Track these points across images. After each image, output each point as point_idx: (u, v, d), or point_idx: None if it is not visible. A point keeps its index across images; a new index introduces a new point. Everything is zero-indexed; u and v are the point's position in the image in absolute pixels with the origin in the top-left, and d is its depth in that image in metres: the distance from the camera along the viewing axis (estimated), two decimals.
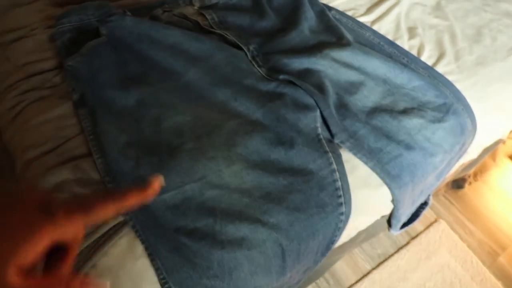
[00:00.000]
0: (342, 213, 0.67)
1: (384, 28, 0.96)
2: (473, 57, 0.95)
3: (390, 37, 0.95)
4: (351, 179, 0.70)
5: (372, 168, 0.72)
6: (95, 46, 0.69)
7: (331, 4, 0.98)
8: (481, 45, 0.97)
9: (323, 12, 0.91)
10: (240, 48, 0.78)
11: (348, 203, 0.68)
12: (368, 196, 0.72)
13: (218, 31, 0.80)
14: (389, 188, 0.73)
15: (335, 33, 0.85)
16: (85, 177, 0.57)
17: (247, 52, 0.76)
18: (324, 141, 0.69)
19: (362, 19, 0.97)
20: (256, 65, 0.75)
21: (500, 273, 1.34)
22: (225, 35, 0.79)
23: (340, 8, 0.98)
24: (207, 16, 0.82)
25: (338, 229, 0.68)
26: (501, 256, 1.39)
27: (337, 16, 0.94)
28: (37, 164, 0.59)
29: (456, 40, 0.98)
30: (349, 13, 0.98)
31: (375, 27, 0.96)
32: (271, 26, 0.84)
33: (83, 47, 0.69)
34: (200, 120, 0.66)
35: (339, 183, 0.67)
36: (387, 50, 0.90)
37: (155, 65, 0.71)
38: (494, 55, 0.96)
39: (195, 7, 0.84)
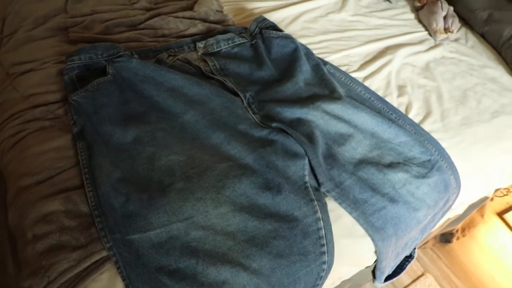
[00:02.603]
0: (324, 262, 0.68)
1: (375, 84, 1.02)
2: (458, 117, 1.00)
3: (380, 93, 1.00)
4: (335, 228, 0.71)
5: (356, 219, 0.73)
6: (100, 84, 0.73)
7: (326, 59, 1.05)
8: (467, 107, 1.03)
9: (319, 66, 0.97)
10: (237, 95, 0.82)
11: (331, 252, 0.69)
12: (352, 246, 0.74)
13: (218, 77, 0.84)
14: (372, 239, 0.75)
15: (328, 86, 0.90)
16: (74, 209, 0.59)
17: (243, 99, 0.81)
18: (310, 189, 0.71)
19: (355, 75, 1.03)
20: (251, 112, 0.79)
21: None
22: (224, 81, 0.83)
23: (335, 63, 1.04)
24: (209, 62, 0.88)
25: (320, 278, 0.69)
26: None
27: (331, 70, 1.00)
28: (29, 192, 0.61)
29: (443, 101, 1.03)
30: (343, 69, 1.04)
31: (367, 83, 1.01)
32: (268, 76, 0.89)
33: (89, 83, 0.73)
34: (192, 160, 0.68)
35: (323, 232, 0.69)
36: (376, 105, 0.94)
37: (155, 105, 0.75)
38: (479, 117, 1.01)
39: (199, 53, 0.90)
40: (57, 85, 0.77)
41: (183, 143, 0.71)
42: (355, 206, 0.74)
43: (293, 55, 0.95)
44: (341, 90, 0.91)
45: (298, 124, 0.79)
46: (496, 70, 1.16)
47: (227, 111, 0.76)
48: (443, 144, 0.91)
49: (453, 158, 0.90)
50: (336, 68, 1.02)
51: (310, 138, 0.77)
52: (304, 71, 0.92)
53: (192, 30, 0.95)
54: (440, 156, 0.88)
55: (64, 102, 0.74)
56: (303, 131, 0.78)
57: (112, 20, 0.91)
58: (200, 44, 0.90)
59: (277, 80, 0.89)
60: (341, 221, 0.73)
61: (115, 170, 0.64)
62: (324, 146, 0.79)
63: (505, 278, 1.42)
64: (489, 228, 1.57)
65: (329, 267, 0.69)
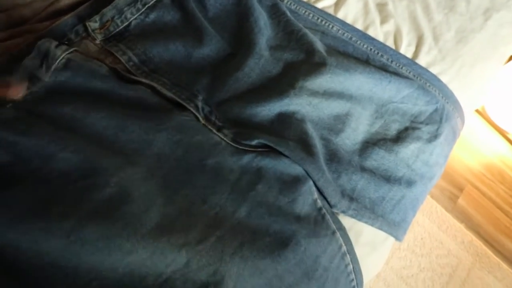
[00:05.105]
0: None
1: (352, 13, 0.75)
2: (452, 33, 0.80)
3: (360, 24, 0.75)
4: (358, 250, 0.57)
5: (379, 228, 0.59)
6: None
7: None
8: (457, 14, 0.83)
9: (277, 7, 0.67)
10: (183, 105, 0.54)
11: (360, 284, 0.56)
12: (377, 258, 0.61)
13: (145, 80, 0.53)
14: (395, 237, 0.63)
15: (300, 44, 0.63)
16: None
17: (197, 113, 0.53)
18: (329, 217, 0.53)
19: (323, 3, 0.75)
20: (214, 129, 0.53)
21: (461, 216, 1.41)
22: (158, 88, 0.53)
23: None
24: (119, 57, 0.55)
25: None
26: (460, 198, 1.45)
27: (293, 7, 0.71)
28: None
29: (431, 12, 0.81)
30: None
31: (341, 14, 0.75)
32: (216, 51, 0.59)
33: None
34: (164, 258, 0.45)
35: (350, 267, 0.54)
36: (362, 48, 0.71)
37: (54, 190, 0.45)
38: (472, 25, 0.82)
39: (98, 41, 0.55)
40: None
41: (135, 234, 0.45)
42: (375, 215, 0.58)
43: (240, 3, 0.63)
44: (319, 46, 0.65)
45: (281, 125, 0.56)
46: None
47: (181, 148, 0.49)
48: (444, 78, 0.74)
49: (455, 93, 0.74)
50: (298, 1, 0.72)
51: (305, 144, 0.55)
52: (263, 27, 0.63)
53: None
54: (444, 98, 0.72)
55: None
56: (292, 135, 0.55)
57: None
58: (94, 25, 0.55)
59: (231, 54, 0.60)
60: (362, 238, 0.59)
61: None
62: (321, 146, 0.58)
63: (472, 158, 1.48)
64: None
65: None
